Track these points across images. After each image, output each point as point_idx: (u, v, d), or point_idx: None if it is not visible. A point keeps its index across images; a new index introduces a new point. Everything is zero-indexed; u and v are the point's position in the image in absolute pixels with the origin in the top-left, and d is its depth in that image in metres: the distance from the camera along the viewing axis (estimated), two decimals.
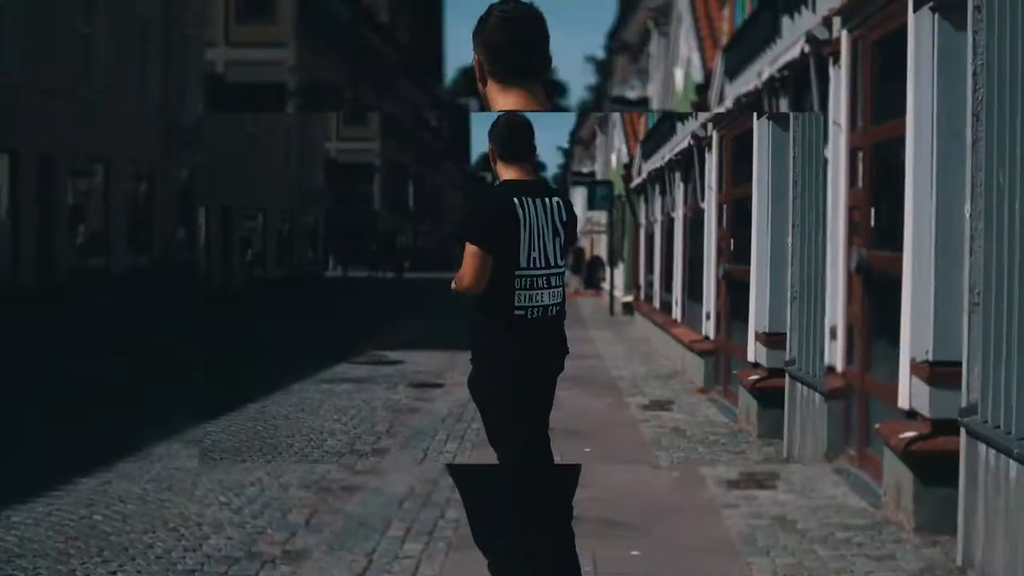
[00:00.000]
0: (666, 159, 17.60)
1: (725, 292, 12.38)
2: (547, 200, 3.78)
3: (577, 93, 75.09)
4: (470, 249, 3.68)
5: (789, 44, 10.23)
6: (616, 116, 32.90)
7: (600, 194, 31.48)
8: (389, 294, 37.98)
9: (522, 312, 3.71)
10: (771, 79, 10.76)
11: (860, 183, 8.36)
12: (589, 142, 48.39)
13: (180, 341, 16.31)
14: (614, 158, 33.54)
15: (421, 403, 11.42)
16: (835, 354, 8.89)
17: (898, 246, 7.35)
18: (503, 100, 3.52)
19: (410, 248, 66.12)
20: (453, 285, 3.83)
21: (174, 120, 29.70)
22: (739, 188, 12.03)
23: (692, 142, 14.23)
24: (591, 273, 41.57)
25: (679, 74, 21.71)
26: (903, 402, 7.05)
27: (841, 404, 8.67)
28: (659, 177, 19.77)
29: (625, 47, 37.29)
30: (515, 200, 3.71)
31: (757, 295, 10.63)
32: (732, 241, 12.32)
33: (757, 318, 10.57)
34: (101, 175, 26.55)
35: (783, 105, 10.87)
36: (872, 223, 8.11)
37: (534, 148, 3.79)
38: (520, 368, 3.78)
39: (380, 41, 62.88)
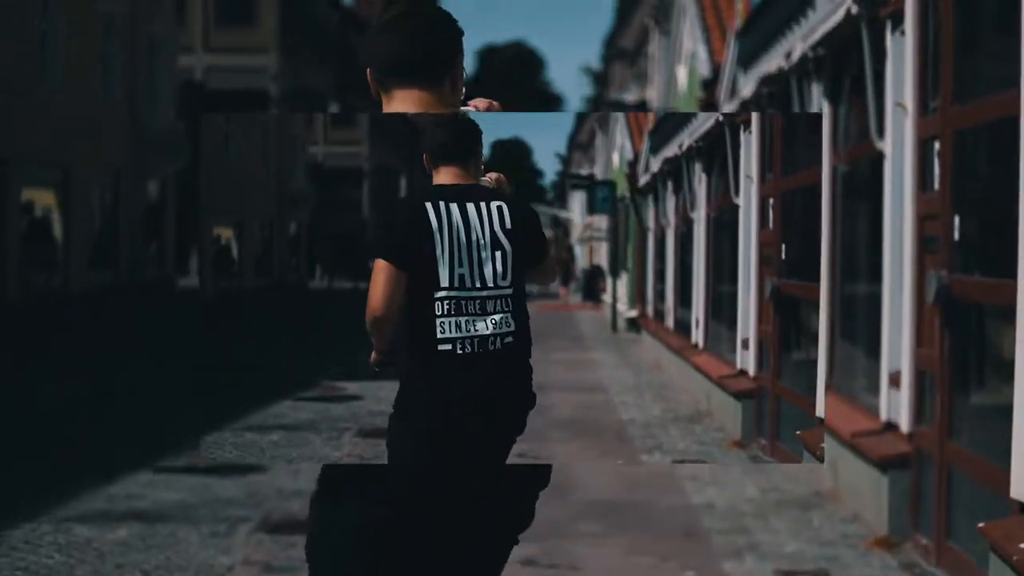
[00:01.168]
0: (684, 146, 14.68)
1: (773, 315, 9.71)
2: (482, 204, 3.09)
3: (573, 105, 75.90)
4: (376, 266, 3.04)
5: (826, 14, 8.15)
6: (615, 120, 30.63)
7: (601, 196, 28.40)
8: None
9: (448, 346, 2.99)
10: (803, 59, 8.67)
11: (936, 185, 6.25)
12: (588, 144, 46.23)
13: (113, 370, 14.21)
14: (616, 157, 30.93)
15: None
16: (897, 409, 6.82)
17: (1002, 270, 5.26)
18: (438, 180, 3.17)
19: None
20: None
21: (143, 125, 27.52)
22: (794, 176, 9.51)
23: (722, 119, 11.50)
24: (590, 284, 39.47)
25: (682, 72, 19.66)
26: (1018, 491, 4.95)
27: (908, 476, 6.57)
28: (673, 170, 16.97)
29: (622, 53, 36.32)
30: (427, 204, 3.05)
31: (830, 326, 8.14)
32: (783, 247, 9.71)
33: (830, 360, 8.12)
34: (59, 182, 24.33)
35: (815, 92, 8.79)
36: (955, 237, 6.00)
37: (471, 148, 3.18)
38: (444, 426, 2.97)
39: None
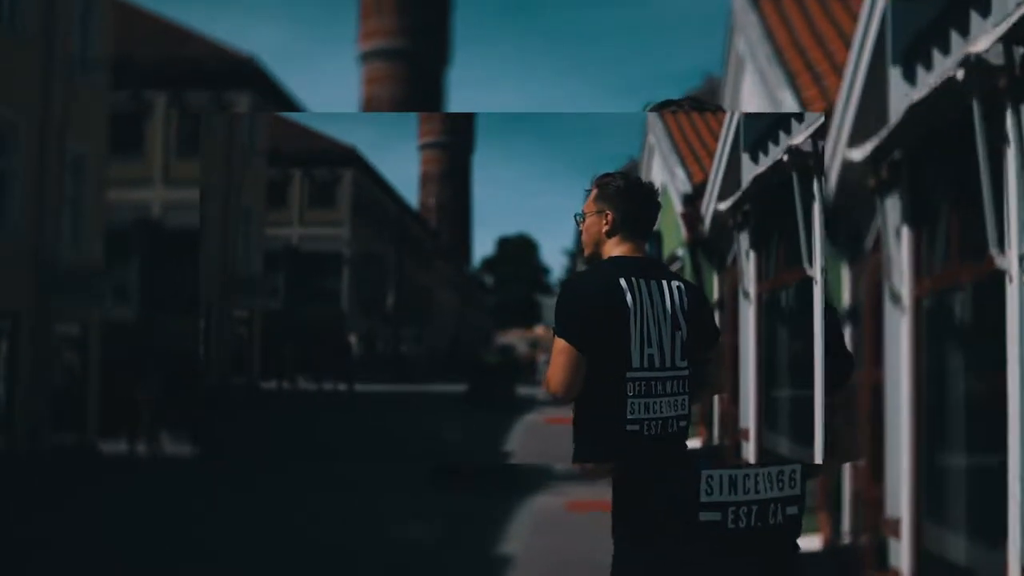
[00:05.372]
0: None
1: None
2: (664, 283, 3.32)
3: (556, 275, 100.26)
4: (557, 345, 3.22)
5: None
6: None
7: None
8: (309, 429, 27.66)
9: (636, 427, 3.15)
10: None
11: None
12: None
13: None
14: None
15: None
16: None
17: None
18: (617, 250, 3.43)
19: (389, 355, 58.64)
20: (543, 388, 3.38)
21: (53, 260, 24.16)
22: None
23: None
24: None
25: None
26: None
27: None
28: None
29: None
30: (622, 281, 3.28)
31: None
32: None
33: None
34: None
35: None
36: None
37: (655, 222, 3.44)
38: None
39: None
